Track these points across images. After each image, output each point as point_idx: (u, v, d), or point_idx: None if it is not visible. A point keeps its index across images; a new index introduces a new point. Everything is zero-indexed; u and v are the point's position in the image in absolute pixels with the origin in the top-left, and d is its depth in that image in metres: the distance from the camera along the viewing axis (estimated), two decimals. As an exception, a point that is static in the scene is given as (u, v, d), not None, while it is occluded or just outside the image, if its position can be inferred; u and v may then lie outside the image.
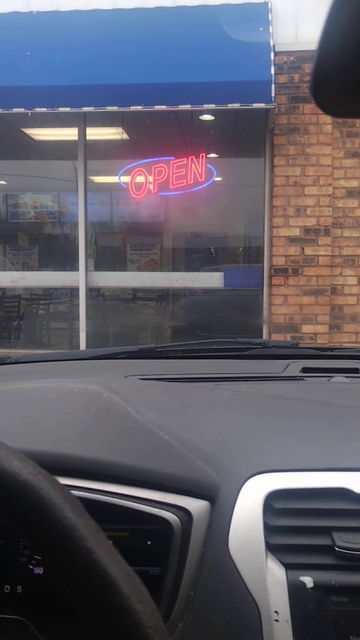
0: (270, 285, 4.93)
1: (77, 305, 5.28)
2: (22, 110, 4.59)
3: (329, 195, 4.81)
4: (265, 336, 5.01)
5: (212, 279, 5.22)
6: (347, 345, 4.80)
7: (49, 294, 6.19)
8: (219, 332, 5.60)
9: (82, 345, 5.26)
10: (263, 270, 5.09)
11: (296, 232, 4.84)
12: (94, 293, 5.61)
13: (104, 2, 4.95)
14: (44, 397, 0.87)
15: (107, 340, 5.87)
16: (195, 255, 6.31)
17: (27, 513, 0.38)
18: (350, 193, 4.85)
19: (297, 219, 4.84)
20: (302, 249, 4.84)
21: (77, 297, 5.28)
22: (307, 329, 4.86)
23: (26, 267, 6.05)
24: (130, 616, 0.36)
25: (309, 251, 4.84)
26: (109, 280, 5.52)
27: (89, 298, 5.36)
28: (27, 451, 0.66)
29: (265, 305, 5.04)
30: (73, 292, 5.44)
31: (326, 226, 4.82)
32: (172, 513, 0.66)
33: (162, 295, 5.92)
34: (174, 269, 6.06)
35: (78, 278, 5.24)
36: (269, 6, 4.72)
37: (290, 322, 4.87)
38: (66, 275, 5.42)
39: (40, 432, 0.74)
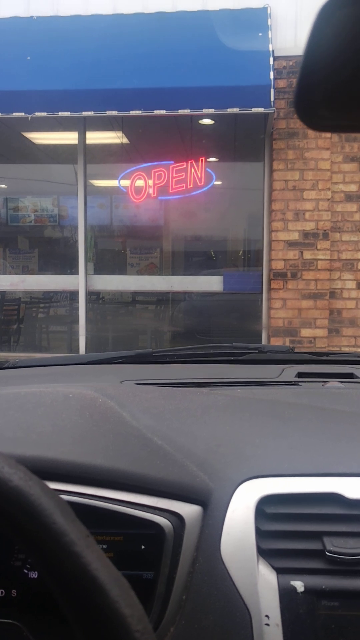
0: (269, 289, 4.94)
1: (77, 308, 5.29)
2: (22, 114, 4.61)
3: (328, 199, 4.83)
4: (264, 340, 5.02)
5: (211, 283, 5.23)
6: (346, 349, 4.81)
7: (48, 298, 6.20)
8: (218, 336, 5.61)
9: (82, 348, 5.27)
10: (262, 274, 5.10)
11: (295, 236, 4.85)
12: (93, 296, 5.62)
13: (104, 7, 4.97)
14: (39, 402, 0.87)
15: (107, 343, 5.87)
16: (195, 259, 6.32)
17: (18, 518, 0.39)
18: (349, 197, 4.86)
19: (296, 223, 4.85)
20: (301, 253, 4.85)
21: (77, 300, 5.29)
22: (306, 332, 4.87)
23: (26, 270, 6.06)
24: (118, 620, 0.37)
25: (308, 255, 4.85)
26: (109, 283, 5.53)
27: (89, 301, 5.37)
28: (21, 456, 0.67)
29: (264, 309, 5.05)
30: (73, 295, 5.45)
31: (325, 230, 4.83)
32: (165, 518, 0.66)
33: (162, 299, 5.93)
34: (174, 273, 6.07)
35: (78, 281, 5.25)
36: (268, 11, 4.75)
37: (289, 326, 4.88)
38: (66, 279, 5.43)
39: (34, 437, 0.75)
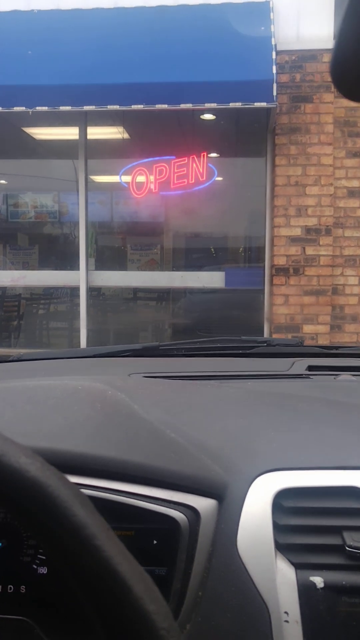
0: (272, 285, 4.92)
1: (78, 304, 5.27)
2: (22, 109, 4.58)
3: (330, 195, 4.80)
4: (266, 336, 5.00)
5: (213, 279, 5.21)
6: (351, 344, 4.79)
7: (49, 294, 6.18)
8: (219, 332, 5.59)
9: (83, 345, 5.25)
10: (264, 270, 5.08)
11: (297, 232, 4.83)
12: (94, 292, 5.60)
13: (105, 0, 4.94)
14: (49, 395, 0.86)
15: (108, 340, 5.85)
16: (196, 255, 6.30)
17: (35, 510, 0.37)
18: (352, 193, 4.84)
19: (298, 219, 4.83)
20: (304, 248, 4.84)
21: (78, 296, 5.27)
22: (308, 329, 4.85)
23: (26, 266, 6.04)
24: (142, 617, 0.35)
25: (310, 251, 4.83)
26: (110, 279, 5.51)
27: (90, 297, 5.35)
28: (34, 449, 0.65)
29: (266, 305, 5.03)
30: (73, 291, 5.43)
31: (327, 226, 4.81)
32: (180, 512, 0.64)
33: (163, 295, 5.91)
34: (175, 269, 6.05)
35: (78, 277, 5.23)
36: (271, 5, 4.72)
37: (292, 322, 4.86)
38: (66, 275, 5.41)
39: (46, 429, 0.73)
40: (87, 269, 5.24)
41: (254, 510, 0.64)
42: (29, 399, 0.84)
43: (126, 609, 0.35)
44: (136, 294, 6.04)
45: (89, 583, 0.36)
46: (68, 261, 5.61)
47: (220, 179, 5.33)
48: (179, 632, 0.36)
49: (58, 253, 6.19)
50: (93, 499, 0.64)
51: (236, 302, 5.49)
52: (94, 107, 4.56)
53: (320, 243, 4.82)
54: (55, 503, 0.37)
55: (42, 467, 0.39)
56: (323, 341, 4.83)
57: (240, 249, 6.26)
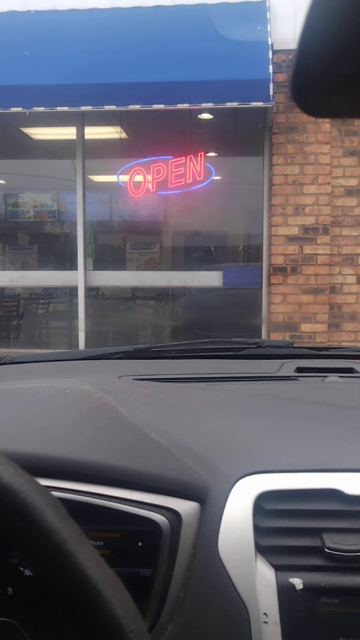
0: (269, 284, 4.93)
1: (76, 304, 5.27)
2: (20, 109, 4.58)
3: (328, 193, 4.81)
4: (264, 335, 5.01)
5: (211, 278, 5.21)
6: (346, 344, 4.80)
7: (48, 294, 6.19)
8: (218, 331, 5.60)
9: (81, 344, 5.26)
10: (262, 269, 5.08)
11: (295, 230, 4.84)
12: (93, 292, 5.60)
13: (101, 1, 4.94)
14: (36, 398, 0.87)
15: (107, 339, 5.86)
16: (194, 254, 6.30)
17: (8, 516, 0.38)
18: (349, 192, 4.84)
19: (296, 218, 4.83)
20: (301, 247, 4.84)
21: (76, 296, 5.27)
22: (306, 327, 4.85)
23: (25, 266, 6.05)
24: (111, 621, 0.36)
25: (307, 250, 4.84)
26: (108, 279, 5.52)
27: (88, 297, 5.36)
28: (16, 453, 0.66)
29: (264, 304, 5.04)
30: (72, 291, 5.43)
31: (325, 225, 4.81)
32: (161, 515, 0.65)
33: (161, 295, 5.92)
34: (173, 268, 6.05)
35: (77, 277, 5.23)
36: (267, 4, 4.71)
37: (289, 321, 4.87)
38: (65, 275, 5.41)
39: (30, 432, 0.74)
40: (85, 269, 5.24)
41: (235, 513, 0.65)
42: (16, 401, 0.85)
43: (95, 613, 0.36)
44: (135, 294, 6.04)
45: (60, 587, 0.37)
46: (67, 261, 5.62)
47: (217, 178, 5.33)
48: (147, 635, 0.37)
49: (57, 253, 6.20)
50: (76, 502, 0.65)
51: (234, 301, 5.50)
52: (90, 107, 4.56)
53: (318, 242, 4.82)
54: (27, 509, 0.38)
55: (15, 474, 0.40)
56: (321, 340, 4.83)
57: (238, 248, 6.26)
